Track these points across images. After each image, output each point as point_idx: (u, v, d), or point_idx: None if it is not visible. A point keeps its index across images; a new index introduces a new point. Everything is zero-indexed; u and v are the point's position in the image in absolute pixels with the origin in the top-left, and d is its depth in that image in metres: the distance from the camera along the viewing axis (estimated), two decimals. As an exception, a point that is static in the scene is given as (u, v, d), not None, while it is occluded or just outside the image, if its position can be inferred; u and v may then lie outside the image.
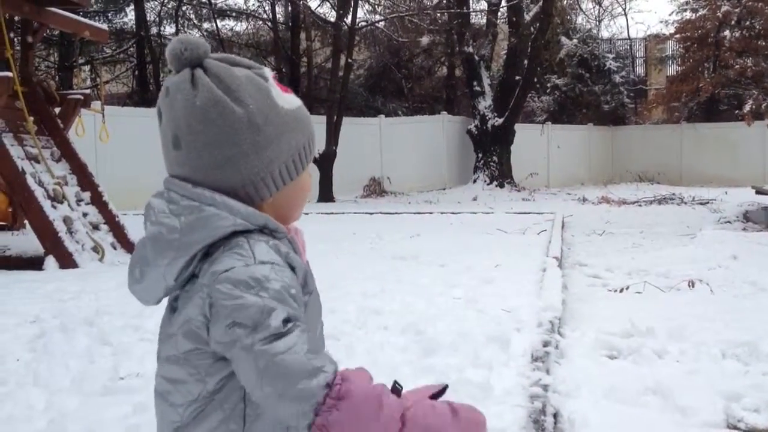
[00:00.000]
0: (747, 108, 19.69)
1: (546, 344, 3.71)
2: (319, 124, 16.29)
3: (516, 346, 3.64)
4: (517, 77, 19.45)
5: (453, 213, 12.13)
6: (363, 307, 4.80)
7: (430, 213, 12.28)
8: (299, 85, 21.55)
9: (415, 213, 12.38)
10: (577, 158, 22.61)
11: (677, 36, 23.49)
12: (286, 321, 1.11)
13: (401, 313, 4.59)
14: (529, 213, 11.66)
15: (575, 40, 23.56)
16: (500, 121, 19.52)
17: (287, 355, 1.09)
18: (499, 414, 2.76)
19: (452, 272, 6.28)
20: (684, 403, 2.96)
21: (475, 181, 19.74)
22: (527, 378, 3.15)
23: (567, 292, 5.53)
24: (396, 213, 12.46)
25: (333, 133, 16.46)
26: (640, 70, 28.19)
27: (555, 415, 2.85)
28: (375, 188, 18.32)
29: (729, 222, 9.67)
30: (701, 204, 13.53)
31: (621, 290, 5.72)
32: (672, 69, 26.19)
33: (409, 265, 6.84)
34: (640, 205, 14.02)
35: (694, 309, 4.91)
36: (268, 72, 1.28)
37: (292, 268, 1.21)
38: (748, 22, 21.59)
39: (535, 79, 21.25)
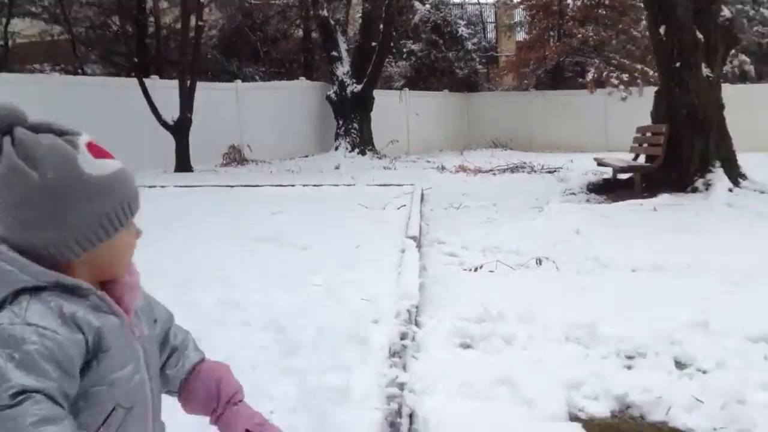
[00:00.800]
0: (589, 76, 20.89)
1: (403, 337, 3.82)
2: (171, 89, 15.69)
3: (374, 340, 3.72)
4: (374, 43, 19.57)
5: (315, 185, 12.09)
6: (223, 299, 4.74)
7: (292, 185, 12.17)
8: (148, 48, 20.59)
9: (277, 186, 12.22)
10: (434, 124, 23.14)
11: (523, 4, 24.34)
12: (20, 393, 1.20)
13: (262, 306, 4.56)
14: (389, 185, 11.82)
15: (428, 6, 23.90)
16: (359, 87, 19.59)
17: (10, 423, 1.18)
18: (357, 420, 2.82)
19: (314, 256, 6.28)
20: (530, 394, 3.15)
21: (336, 148, 19.77)
22: (384, 376, 3.23)
23: (425, 274, 5.69)
24: (257, 186, 12.25)
25: (187, 99, 15.88)
26: (492, 36, 29.10)
27: (411, 416, 2.96)
28: (235, 156, 17.89)
29: (574, 193, 10.25)
30: (549, 172, 14.26)
31: (475, 269, 5.93)
32: (521, 36, 27.21)
33: (271, 248, 6.77)
34: (494, 174, 14.58)
35: (541, 288, 5.20)
36: (83, 139, 1.36)
37: (80, 328, 1.29)
38: (589, -8, 22.69)
39: (392, 44, 21.45)
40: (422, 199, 10.17)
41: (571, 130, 21.96)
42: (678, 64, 9.21)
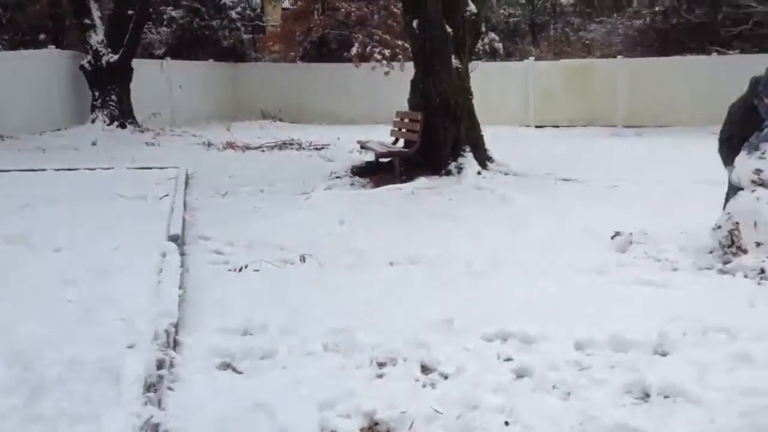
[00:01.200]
0: (354, 50, 21.40)
1: (160, 365, 3.72)
2: None
3: (129, 371, 3.60)
4: (130, 11, 18.58)
5: (70, 169, 11.27)
6: (-41, 326, 4.33)
7: (44, 170, 11.22)
8: None
9: (26, 170, 11.19)
10: (200, 95, 22.44)
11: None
12: None
13: (7, 334, 4.23)
14: (151, 168, 11.33)
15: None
16: (115, 57, 18.51)
17: None
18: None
19: (67, 261, 5.93)
20: (286, 420, 3.24)
21: (93, 121, 18.54)
22: (139, 417, 3.15)
23: (188, 278, 5.56)
24: (3, 171, 11.13)
25: None
26: (258, 3, 28.70)
27: (165, 463, 2.93)
28: (-26, 132, 16.17)
29: (339, 177, 10.52)
30: (317, 149, 14.52)
31: (240, 269, 5.90)
32: (288, 4, 27.12)
33: (19, 253, 6.26)
34: (263, 151, 14.53)
35: (304, 290, 5.31)
36: None
37: None
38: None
39: (150, 11, 20.45)
40: (187, 185, 9.90)
41: (339, 102, 22.37)
42: (430, 56, 9.78)
